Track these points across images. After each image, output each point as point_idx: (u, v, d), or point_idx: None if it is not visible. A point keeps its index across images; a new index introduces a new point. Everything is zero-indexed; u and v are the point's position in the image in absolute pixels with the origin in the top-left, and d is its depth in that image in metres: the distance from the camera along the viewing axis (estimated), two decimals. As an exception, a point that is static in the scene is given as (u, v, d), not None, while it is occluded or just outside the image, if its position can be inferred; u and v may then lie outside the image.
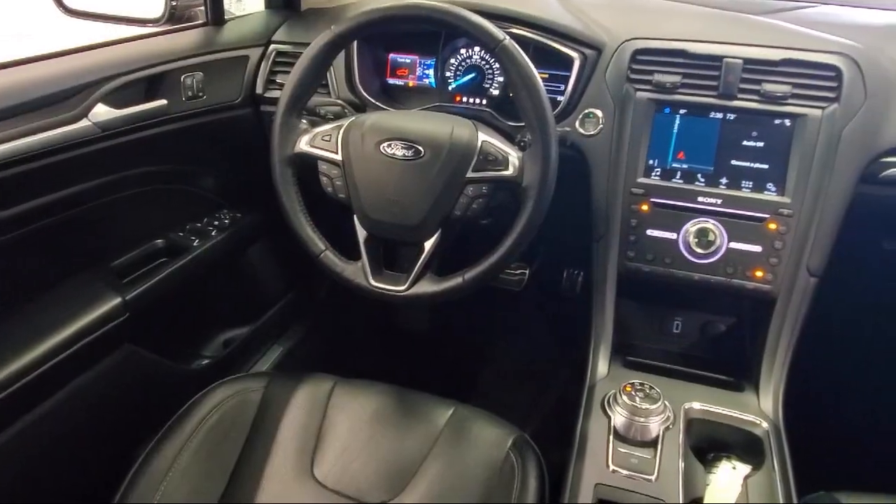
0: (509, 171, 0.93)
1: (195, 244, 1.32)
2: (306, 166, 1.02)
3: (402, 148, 0.95)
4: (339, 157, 0.99)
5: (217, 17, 1.34)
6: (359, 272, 1.00)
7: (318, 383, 1.09)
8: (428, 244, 0.97)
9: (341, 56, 1.25)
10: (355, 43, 1.26)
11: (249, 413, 1.05)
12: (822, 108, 1.00)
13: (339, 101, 1.18)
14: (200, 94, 1.24)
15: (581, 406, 0.98)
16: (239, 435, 1.02)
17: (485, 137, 0.95)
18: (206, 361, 1.46)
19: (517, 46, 0.90)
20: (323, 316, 1.82)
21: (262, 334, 1.64)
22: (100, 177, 1.14)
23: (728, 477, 0.89)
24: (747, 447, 0.93)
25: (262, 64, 1.34)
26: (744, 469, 0.90)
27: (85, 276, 1.18)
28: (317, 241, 1.01)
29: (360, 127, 0.98)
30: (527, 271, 1.61)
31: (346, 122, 1.00)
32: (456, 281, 0.96)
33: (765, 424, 0.94)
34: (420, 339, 1.88)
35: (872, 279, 1.25)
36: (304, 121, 1.03)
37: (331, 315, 1.84)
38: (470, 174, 0.94)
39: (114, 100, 1.08)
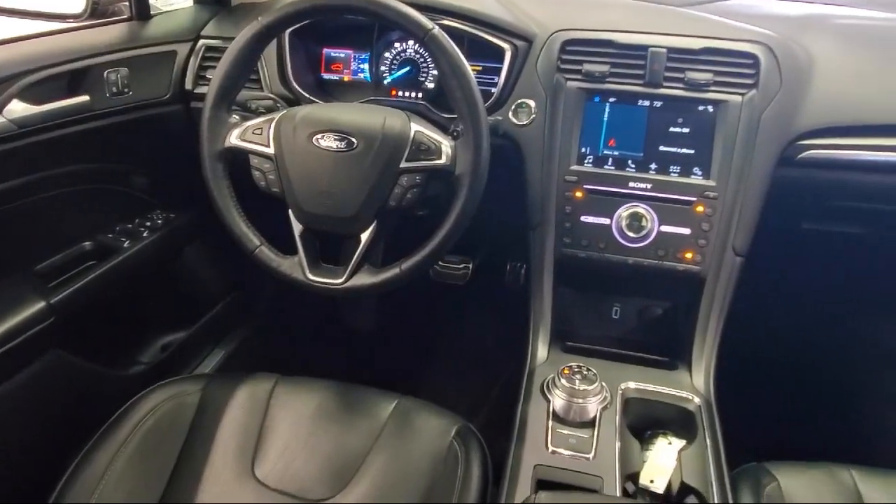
0: (442, 161, 0.93)
1: (125, 245, 1.28)
2: (238, 161, 1.00)
3: (335, 140, 0.94)
4: (271, 150, 0.97)
5: (142, 11, 1.30)
6: (295, 267, 0.98)
7: (259, 383, 1.07)
8: (364, 236, 0.97)
9: (273, 50, 1.24)
10: (287, 37, 1.24)
11: (187, 416, 1.03)
12: (742, 94, 1.04)
13: (271, 96, 1.16)
14: (126, 90, 1.21)
15: (521, 391, 0.99)
16: (176, 438, 1.00)
17: (417, 127, 0.96)
18: (142, 366, 1.41)
19: (446, 36, 0.91)
20: (267, 316, 1.79)
21: (203, 337, 1.60)
22: (20, 176, 1.09)
23: (663, 452, 0.92)
24: (681, 423, 0.96)
25: (191, 59, 1.30)
26: (678, 444, 0.93)
27: (5, 280, 1.12)
28: (251, 237, 1.00)
29: (291, 119, 0.97)
30: (470, 265, 1.62)
31: (277, 115, 0.99)
32: (393, 272, 0.96)
33: (697, 400, 0.97)
34: (367, 336, 1.87)
35: (794, 258, 1.31)
36: (236, 115, 1.01)
37: (276, 315, 1.81)
38: (403, 164, 0.94)
39: (31, 96, 1.04)
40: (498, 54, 1.16)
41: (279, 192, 0.98)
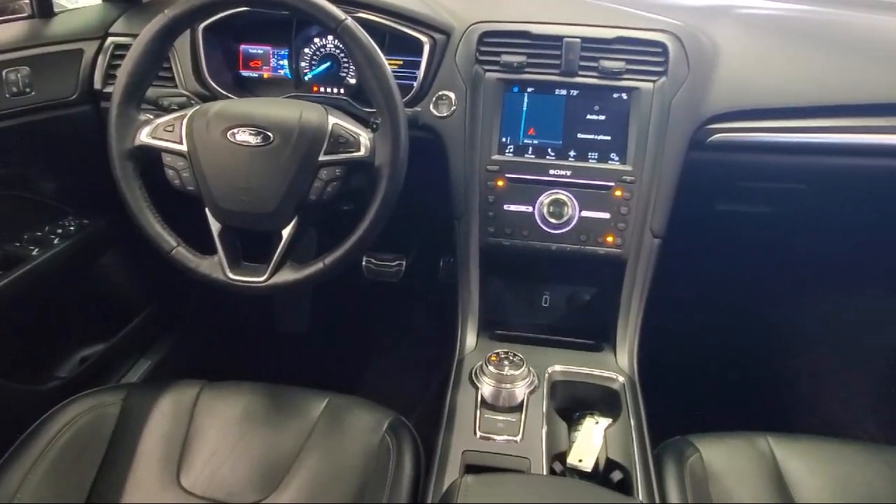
0: (361, 153, 0.93)
1: (35, 254, 1.21)
2: (151, 160, 0.97)
3: (251, 134, 0.92)
4: (183, 147, 0.94)
5: (44, 8, 1.24)
6: (215, 266, 0.96)
7: (183, 390, 1.03)
8: (286, 231, 0.95)
9: (186, 46, 1.21)
10: (201, 33, 1.20)
11: (107, 428, 0.98)
12: (653, 81, 1.08)
13: (185, 93, 1.13)
14: (28, 90, 1.15)
15: (450, 380, 0.99)
16: (96, 452, 0.95)
17: (335, 120, 0.95)
18: (59, 381, 1.34)
19: (359, 27, 0.90)
20: (196, 323, 1.74)
21: (126, 347, 1.53)
22: None
23: (591, 431, 0.94)
24: (607, 402, 0.98)
25: (100, 58, 1.25)
26: (605, 423, 0.95)
27: None
28: (167, 238, 0.96)
29: (204, 115, 0.94)
30: (403, 262, 1.61)
31: (189, 112, 0.96)
32: (317, 266, 0.95)
33: (621, 379, 1.00)
34: (301, 338, 1.84)
35: (710, 238, 1.36)
36: (148, 114, 0.98)
37: (205, 321, 1.75)
38: (322, 157, 0.93)
39: (-81, 97, 0.98)
40: (417, 48, 1.16)
41: (195, 191, 0.95)
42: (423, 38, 1.15)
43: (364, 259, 1.62)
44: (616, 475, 0.86)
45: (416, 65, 1.17)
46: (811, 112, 1.08)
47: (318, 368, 1.66)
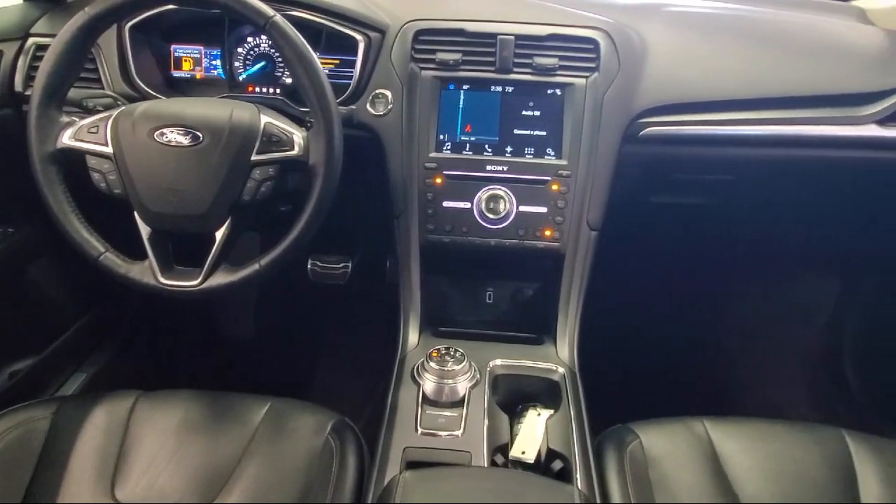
0: (295, 151, 0.92)
1: (-46, 266, 1.16)
2: (74, 163, 0.93)
3: (179, 134, 0.90)
4: (109, 149, 0.91)
5: (-39, 9, 1.18)
6: (146, 271, 0.93)
7: (117, 401, 1.00)
8: (219, 233, 0.93)
9: (113, 46, 1.17)
10: (128, 32, 1.17)
11: (35, 444, 0.94)
12: (586, 76, 1.10)
13: (111, 94, 1.10)
14: (-59, 93, 1.09)
15: (392, 378, 0.99)
16: (24, 469, 0.91)
17: (268, 119, 0.93)
18: (-17, 399, 1.28)
19: (288, 23, 0.89)
20: (135, 332, 1.68)
21: (58, 360, 1.47)
22: None
23: (533, 423, 0.95)
24: (548, 393, 0.99)
25: (20, 59, 1.20)
26: (547, 414, 0.96)
27: None
28: (94, 244, 0.93)
29: (130, 115, 0.92)
30: (349, 264, 1.60)
31: (114, 112, 0.93)
32: (252, 268, 0.93)
33: (561, 370, 1.01)
34: (246, 344, 1.80)
35: (646, 230, 1.40)
36: (72, 116, 0.94)
37: (144, 330, 1.70)
38: (255, 157, 0.91)
39: None
40: (352, 47, 1.16)
41: (122, 194, 0.92)
42: (358, 37, 1.15)
43: (309, 262, 1.59)
44: (557, 464, 0.87)
45: (352, 64, 1.16)
46: (735, 105, 1.12)
47: (263, 374, 1.64)
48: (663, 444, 0.96)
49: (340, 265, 1.59)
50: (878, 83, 1.14)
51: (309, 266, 1.59)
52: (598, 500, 0.83)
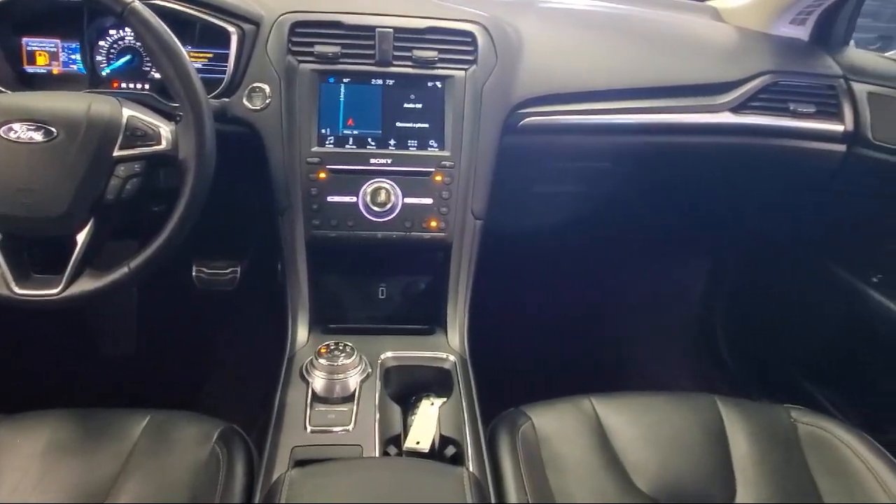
0: (162, 146, 0.87)
1: None
2: None
3: (29, 130, 0.83)
4: None
5: None
6: None
7: None
8: (81, 236, 0.87)
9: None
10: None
11: None
12: (465, 69, 1.11)
13: (-49, 91, 0.99)
14: None
15: (280, 378, 0.96)
16: None
17: (131, 112, 0.88)
18: None
19: (148, 10, 0.84)
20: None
21: None
22: None
23: (427, 413, 0.95)
24: (441, 382, 1.00)
25: None
26: (440, 402, 0.97)
27: None
28: None
29: None
30: (238, 269, 1.54)
31: None
32: (121, 271, 0.87)
33: (452, 358, 1.02)
34: (129, 360, 1.69)
35: (531, 219, 1.44)
36: None
37: (9, 351, 1.55)
38: (117, 153, 0.86)
39: None
40: (225, 39, 1.11)
41: None
42: (230, 29, 1.10)
43: (194, 268, 1.52)
44: (450, 450, 0.87)
45: (226, 57, 1.12)
46: (607, 95, 1.18)
47: (148, 389, 1.54)
48: (553, 423, 0.99)
49: (228, 270, 1.53)
50: (731, 74, 1.24)
51: (194, 273, 1.51)
52: (491, 482, 0.84)
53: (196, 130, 0.86)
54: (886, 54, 1.29)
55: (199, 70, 1.11)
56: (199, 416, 0.97)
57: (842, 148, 1.27)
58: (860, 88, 1.25)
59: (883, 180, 1.26)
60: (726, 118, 1.21)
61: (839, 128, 1.25)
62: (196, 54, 1.16)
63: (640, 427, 1.00)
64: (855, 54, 1.32)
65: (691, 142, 1.23)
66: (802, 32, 1.37)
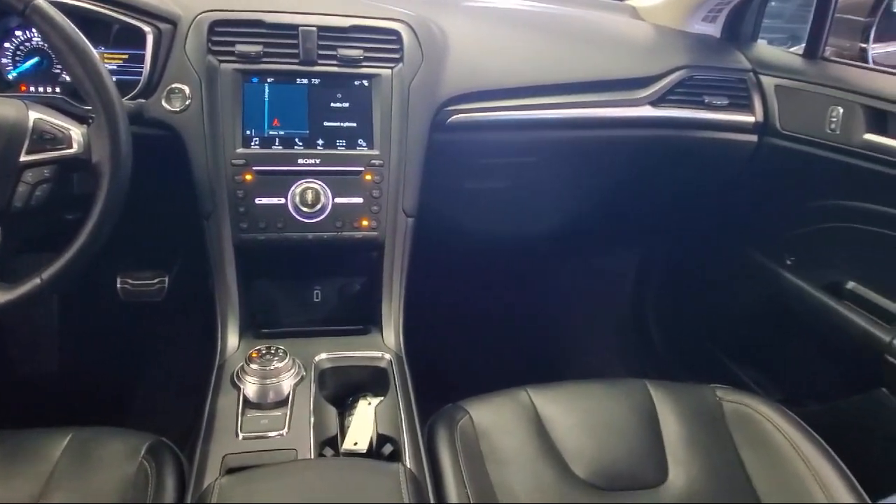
0: (74, 149, 0.83)
1: None
2: None
3: None
4: None
5: None
6: None
7: None
8: None
9: None
10: None
11: None
12: (391, 67, 1.11)
13: None
14: None
15: (210, 387, 0.93)
16: None
17: (38, 115, 0.84)
18: None
19: (53, 7, 0.80)
20: None
21: None
22: None
23: (364, 413, 0.94)
24: (377, 381, 0.99)
25: None
26: (377, 402, 0.96)
27: None
28: None
29: None
30: (166, 279, 1.49)
31: None
32: (33, 283, 0.83)
33: (388, 356, 1.01)
34: (51, 378, 1.60)
35: (462, 215, 1.45)
36: None
37: None
38: (24, 157, 0.81)
39: None
40: (140, 39, 1.07)
41: None
42: (146, 28, 1.07)
43: (118, 280, 1.46)
44: (387, 449, 0.86)
45: (143, 58, 1.08)
46: (532, 91, 1.20)
47: (75, 408, 1.46)
48: (491, 416, 1.00)
49: (156, 280, 1.48)
50: (650, 69, 1.28)
51: (119, 285, 1.46)
52: (430, 478, 0.84)
53: (110, 132, 0.82)
54: (790, 49, 1.37)
55: (114, 72, 1.09)
56: (125, 431, 0.93)
57: (753, 138, 1.33)
58: (768, 81, 1.32)
59: (790, 167, 1.33)
60: (646, 111, 1.26)
61: (750, 119, 1.32)
62: (111, 55, 1.11)
63: (575, 415, 1.02)
64: (762, 49, 1.40)
65: (614, 135, 1.26)
66: (714, 29, 1.43)
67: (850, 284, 1.29)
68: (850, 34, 1.30)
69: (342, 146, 1.10)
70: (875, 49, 1.26)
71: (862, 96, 1.15)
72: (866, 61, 1.24)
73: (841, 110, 1.17)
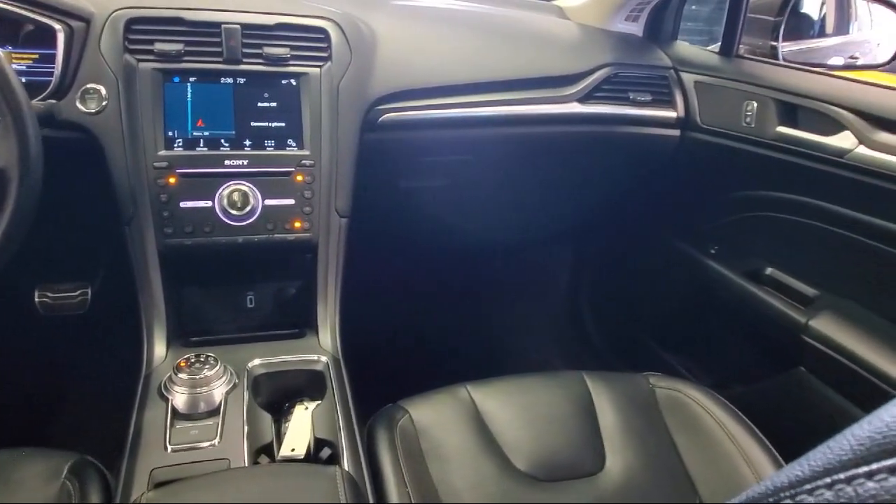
0: None
1: None
2: None
3: None
4: None
5: None
6: None
7: None
8: None
9: None
10: None
11: None
12: (320, 66, 1.09)
13: None
14: None
15: (135, 399, 0.89)
16: None
17: None
18: None
19: None
20: None
21: None
22: None
23: (301, 418, 0.92)
24: (314, 385, 0.97)
25: None
26: (314, 406, 0.94)
27: None
28: None
29: None
30: (88, 290, 1.42)
31: None
32: None
33: (324, 359, 0.99)
34: None
35: (398, 215, 1.45)
36: None
37: None
38: None
39: None
40: (51, 38, 1.02)
41: None
42: (56, 26, 1.01)
43: (37, 293, 1.38)
44: (325, 452, 0.85)
45: (54, 58, 1.02)
46: (463, 89, 1.21)
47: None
48: (431, 414, 1.00)
49: (77, 292, 1.41)
50: (577, 67, 1.31)
51: (37, 298, 1.38)
52: (370, 478, 0.83)
53: (17, 135, 0.78)
54: (707, 48, 1.43)
55: (23, 72, 1.03)
56: (45, 451, 0.88)
57: (676, 132, 1.38)
58: (688, 78, 1.38)
59: (711, 160, 1.39)
60: (574, 108, 1.29)
61: (672, 114, 1.37)
62: (19, 55, 1.05)
63: (514, 409, 1.03)
64: (682, 48, 1.45)
65: (544, 132, 1.29)
66: (637, 28, 1.48)
67: (769, 270, 1.35)
68: (762, 33, 1.36)
69: (271, 146, 1.07)
70: (785, 47, 1.33)
71: (774, 91, 1.20)
72: (777, 58, 1.31)
73: (755, 104, 1.23)
